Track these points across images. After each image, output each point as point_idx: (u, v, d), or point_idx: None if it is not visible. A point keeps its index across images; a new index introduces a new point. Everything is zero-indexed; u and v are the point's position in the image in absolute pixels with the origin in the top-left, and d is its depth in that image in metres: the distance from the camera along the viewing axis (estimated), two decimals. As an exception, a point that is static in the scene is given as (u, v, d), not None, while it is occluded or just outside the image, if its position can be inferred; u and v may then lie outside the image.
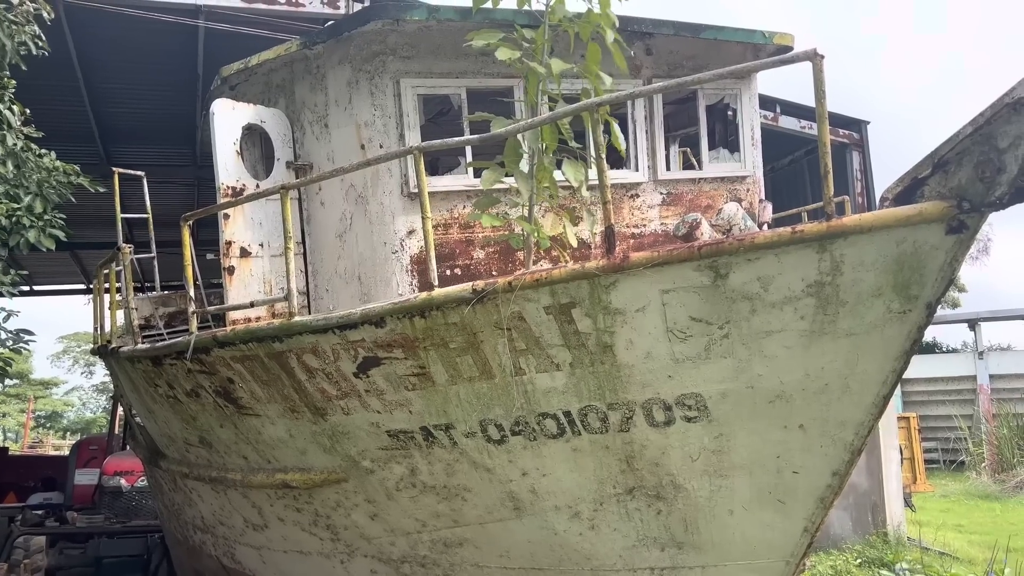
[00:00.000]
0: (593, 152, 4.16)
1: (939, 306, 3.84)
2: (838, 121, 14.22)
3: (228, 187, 6.76)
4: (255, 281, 6.72)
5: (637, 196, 7.09)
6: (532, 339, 4.28)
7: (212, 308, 6.19)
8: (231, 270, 6.61)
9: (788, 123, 13.72)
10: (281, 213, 5.07)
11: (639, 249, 4.33)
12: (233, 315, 6.64)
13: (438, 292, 4.33)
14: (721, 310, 3.92)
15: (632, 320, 4.05)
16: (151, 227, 8.43)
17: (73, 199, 8.96)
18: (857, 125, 14.68)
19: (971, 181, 3.36)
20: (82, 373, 47.11)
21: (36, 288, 22.54)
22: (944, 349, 29.47)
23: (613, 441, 4.52)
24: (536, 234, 4.95)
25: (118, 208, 8.02)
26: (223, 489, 6.66)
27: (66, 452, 19.70)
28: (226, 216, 6.65)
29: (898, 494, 12.29)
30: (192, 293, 5.63)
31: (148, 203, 8.47)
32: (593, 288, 4.01)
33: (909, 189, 3.56)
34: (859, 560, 10.12)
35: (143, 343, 6.54)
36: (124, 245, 6.76)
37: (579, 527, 4.93)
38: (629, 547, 4.90)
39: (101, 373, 44.84)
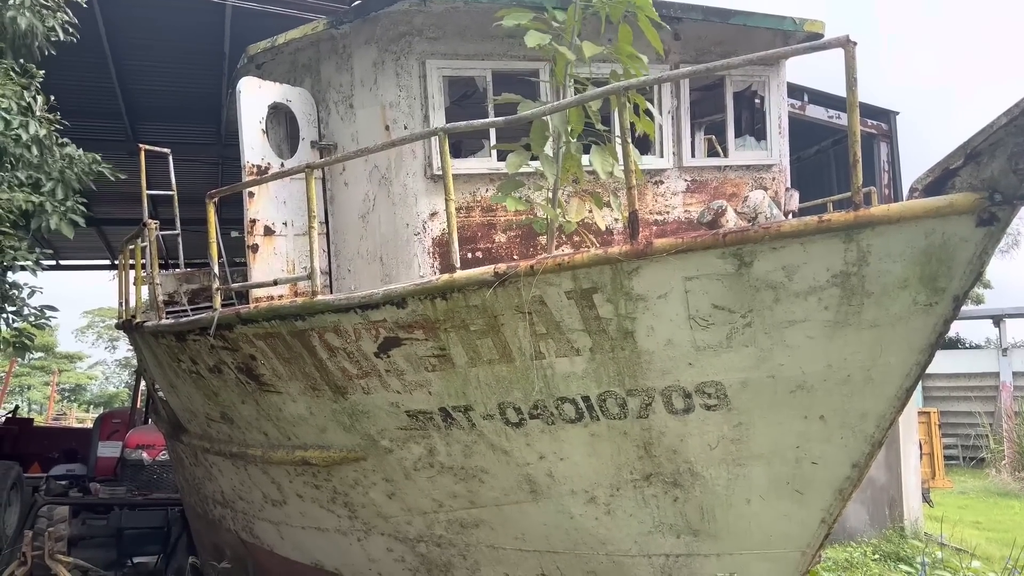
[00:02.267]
0: (620, 136, 4.14)
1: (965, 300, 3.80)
2: (867, 111, 14.01)
3: (253, 165, 6.80)
4: (278, 260, 6.77)
5: (661, 183, 7.05)
6: (553, 323, 4.28)
7: (236, 285, 6.24)
8: (255, 248, 6.66)
9: (816, 112, 13.54)
10: (305, 192, 5.09)
11: (662, 236, 4.31)
12: (256, 293, 6.70)
13: (460, 274, 4.34)
14: (744, 298, 3.89)
15: (654, 307, 4.04)
16: (176, 204, 8.50)
17: (94, 186, 9.07)
18: (886, 115, 14.47)
19: (1004, 173, 3.31)
20: (105, 348, 47.84)
21: (62, 263, 22.85)
22: (967, 345, 29.12)
23: (631, 427, 4.52)
24: (560, 218, 4.94)
25: (144, 184, 8.09)
26: (243, 464, 6.75)
27: (89, 425, 20.04)
28: (251, 194, 6.69)
29: (916, 489, 12.19)
30: (216, 270, 5.68)
31: (173, 180, 8.54)
32: (615, 274, 3.99)
33: (940, 180, 3.51)
34: (876, 554, 10.08)
35: (167, 319, 6.62)
36: (150, 221, 6.82)
37: (595, 512, 4.94)
38: (645, 533, 4.91)
39: (124, 348, 45.49)
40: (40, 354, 39.72)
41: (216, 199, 5.76)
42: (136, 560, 10.19)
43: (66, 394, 45.26)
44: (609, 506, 4.89)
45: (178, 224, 8.53)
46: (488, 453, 4.98)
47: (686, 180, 7.13)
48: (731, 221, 4.26)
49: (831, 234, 3.62)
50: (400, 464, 5.38)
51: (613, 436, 4.59)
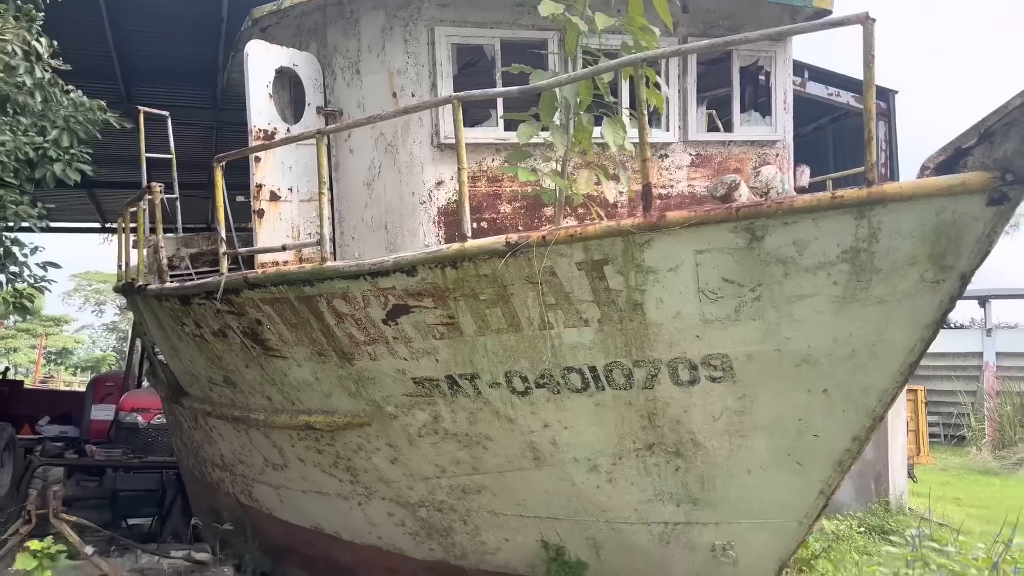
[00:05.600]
0: (633, 109, 4.15)
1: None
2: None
3: (260, 130, 6.75)
4: (284, 225, 6.75)
5: (666, 156, 7.07)
6: (562, 294, 4.32)
7: (244, 250, 6.23)
8: (260, 213, 6.65)
9: (815, 89, 13.51)
10: (316, 158, 5.08)
11: (666, 210, 4.35)
12: (261, 258, 6.69)
13: (471, 244, 4.36)
14: (754, 272, 3.95)
15: (664, 279, 4.09)
16: (174, 168, 8.44)
17: (99, 136, 8.94)
18: (884, 94, 14.46)
19: (1017, 153, 3.36)
20: (92, 312, 47.57)
21: (52, 225, 22.58)
22: (952, 325, 29.42)
23: (636, 398, 4.59)
24: (569, 190, 4.97)
25: (143, 148, 8.03)
26: (244, 428, 6.79)
27: (77, 388, 19.99)
28: (257, 159, 6.66)
29: (902, 465, 12.40)
30: (224, 235, 5.67)
31: (172, 144, 8.48)
32: (627, 246, 4.04)
33: (952, 159, 3.56)
34: (861, 527, 10.28)
35: (171, 282, 6.61)
36: (155, 184, 6.79)
37: (597, 480, 5.03)
38: (645, 501, 5.01)
39: (111, 313, 45.27)
40: (27, 316, 39.42)
41: (223, 163, 5.74)
42: (131, 522, 10.26)
43: (52, 357, 45.02)
44: (611, 474, 4.98)
45: (176, 188, 8.48)
46: (493, 421, 5.04)
47: (691, 154, 7.15)
48: (744, 195, 4.30)
49: (843, 210, 3.67)
50: (404, 430, 5.45)
51: (618, 406, 4.67)
